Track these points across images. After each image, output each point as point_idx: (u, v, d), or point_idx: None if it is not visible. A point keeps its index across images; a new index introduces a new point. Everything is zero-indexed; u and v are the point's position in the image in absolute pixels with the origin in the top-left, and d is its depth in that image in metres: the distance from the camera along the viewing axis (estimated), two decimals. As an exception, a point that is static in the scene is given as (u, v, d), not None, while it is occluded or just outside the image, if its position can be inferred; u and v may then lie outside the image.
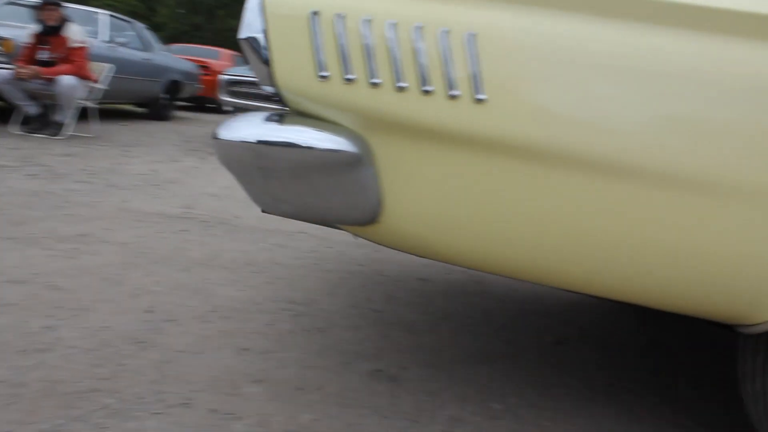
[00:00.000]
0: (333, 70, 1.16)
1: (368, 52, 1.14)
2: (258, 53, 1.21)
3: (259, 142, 1.17)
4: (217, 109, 10.73)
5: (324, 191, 1.20)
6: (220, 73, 6.94)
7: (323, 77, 1.16)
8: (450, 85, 1.11)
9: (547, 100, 1.09)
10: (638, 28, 1.08)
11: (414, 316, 2.17)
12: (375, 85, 1.14)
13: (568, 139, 1.08)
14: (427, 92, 1.12)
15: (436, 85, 1.11)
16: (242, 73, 6.61)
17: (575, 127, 1.08)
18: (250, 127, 1.20)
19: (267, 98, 6.34)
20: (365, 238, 1.35)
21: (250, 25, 1.22)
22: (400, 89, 1.13)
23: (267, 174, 1.22)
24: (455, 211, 1.18)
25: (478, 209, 1.16)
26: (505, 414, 1.55)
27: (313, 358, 1.73)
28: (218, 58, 12.51)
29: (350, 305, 2.20)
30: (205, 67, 11.24)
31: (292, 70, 1.19)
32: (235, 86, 6.48)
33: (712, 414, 1.70)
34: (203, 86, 10.53)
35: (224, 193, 4.05)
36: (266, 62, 1.20)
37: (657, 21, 1.08)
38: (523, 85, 1.09)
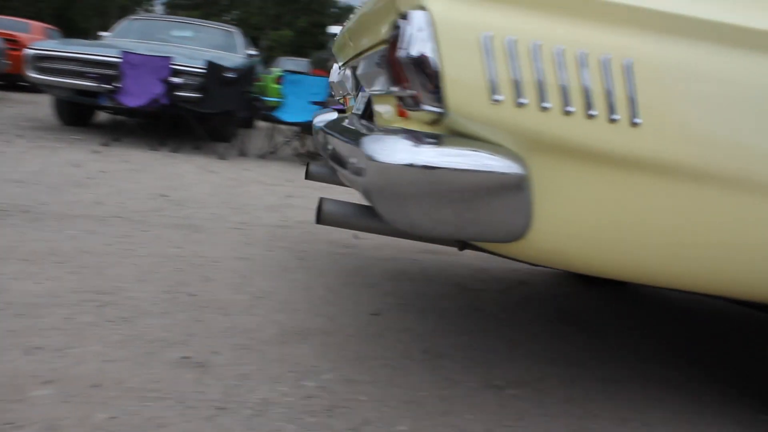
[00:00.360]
0: (506, 94, 1.19)
1: (540, 78, 1.19)
2: (425, 74, 1.19)
3: (431, 167, 1.15)
4: (31, 87, 9.88)
5: (481, 211, 1.21)
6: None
7: (496, 101, 1.19)
8: (611, 109, 1.20)
9: (697, 123, 1.23)
10: None
11: (230, 297, 2.09)
12: (545, 109, 1.20)
13: (717, 160, 1.24)
14: (591, 116, 1.20)
15: (599, 109, 1.20)
16: (52, 47, 6.08)
17: (724, 148, 1.24)
18: (412, 151, 1.16)
19: (79, 75, 5.89)
20: (498, 254, 1.38)
21: (415, 44, 1.19)
22: (568, 113, 1.20)
23: (426, 197, 1.18)
24: (602, 225, 1.27)
25: (624, 224, 1.27)
26: (319, 391, 1.53)
27: (114, 351, 1.61)
28: (29, 31, 11.48)
29: (162, 291, 2.08)
30: (13, 41, 10.27)
31: (465, 94, 1.19)
32: (43, 62, 5.95)
33: (526, 370, 1.78)
34: (11, 63, 9.62)
35: (31, 179, 3.71)
36: (434, 84, 1.19)
37: None
38: (675, 109, 1.22)
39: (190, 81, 5.98)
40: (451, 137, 1.23)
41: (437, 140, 1.20)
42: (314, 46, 38.66)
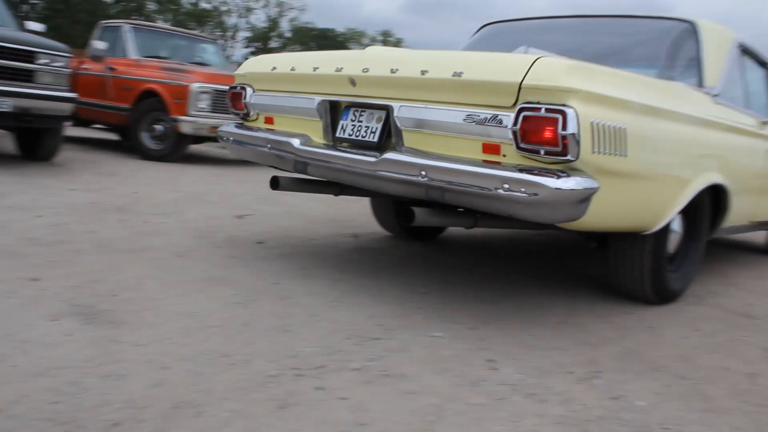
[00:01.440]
0: (598, 148, 2.23)
1: (609, 139, 2.30)
2: (575, 141, 2.12)
3: (573, 189, 2.18)
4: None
5: (581, 206, 2.31)
6: None
7: (595, 152, 2.22)
8: (623, 150, 2.43)
9: (647, 155, 2.60)
10: None
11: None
12: (609, 153, 2.31)
13: (650, 169, 2.65)
14: (618, 155, 2.39)
15: (620, 150, 2.43)
16: None
17: (653, 164, 2.65)
18: (567, 181, 2.14)
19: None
20: (565, 229, 2.55)
21: (572, 125, 2.10)
22: (613, 154, 2.38)
23: (568, 202, 2.21)
24: (613, 206, 2.52)
25: (620, 204, 2.54)
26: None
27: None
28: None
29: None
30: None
31: (585, 149, 2.17)
32: None
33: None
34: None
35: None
36: (575, 145, 2.13)
37: None
38: (640, 149, 2.56)
39: None
40: (572, 170, 2.19)
41: (568, 174, 2.17)
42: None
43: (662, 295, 3.10)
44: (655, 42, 3.53)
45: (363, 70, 2.66)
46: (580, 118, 2.12)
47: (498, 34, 4.20)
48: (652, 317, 2.92)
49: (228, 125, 3.41)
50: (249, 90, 3.27)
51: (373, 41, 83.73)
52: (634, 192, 2.55)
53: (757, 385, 2.24)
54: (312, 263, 3.22)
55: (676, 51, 3.39)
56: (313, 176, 2.98)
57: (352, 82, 2.70)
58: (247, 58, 6.52)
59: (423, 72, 2.46)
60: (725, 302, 3.42)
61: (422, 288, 2.95)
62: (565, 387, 2.03)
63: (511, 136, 2.19)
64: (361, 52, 2.88)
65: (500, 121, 2.23)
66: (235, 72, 3.44)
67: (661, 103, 2.66)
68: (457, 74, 2.35)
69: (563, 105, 2.11)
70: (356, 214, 4.87)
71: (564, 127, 2.09)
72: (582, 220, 2.29)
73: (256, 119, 3.30)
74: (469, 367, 2.10)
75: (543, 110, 2.12)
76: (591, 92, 2.20)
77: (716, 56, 3.40)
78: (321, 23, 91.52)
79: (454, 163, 2.32)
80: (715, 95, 3.26)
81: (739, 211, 3.54)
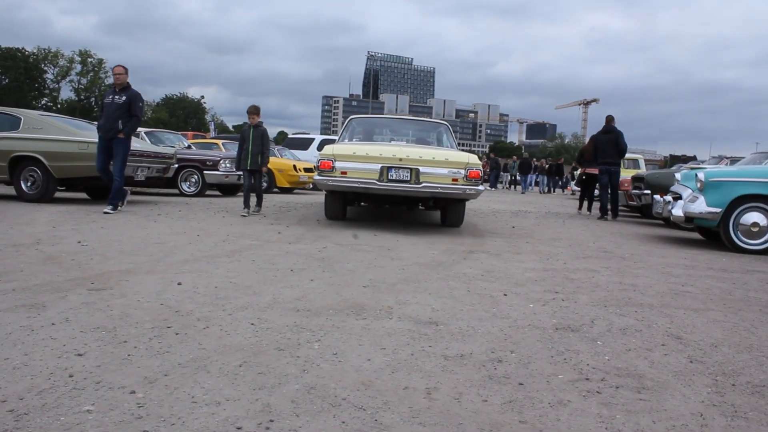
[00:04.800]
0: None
1: None
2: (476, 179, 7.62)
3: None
4: None
5: None
6: None
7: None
8: None
9: None
10: None
11: None
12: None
13: None
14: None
15: None
16: None
17: None
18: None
19: None
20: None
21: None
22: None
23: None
24: None
25: None
26: None
27: None
28: None
29: None
30: None
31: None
32: None
33: None
34: None
35: None
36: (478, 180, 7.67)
37: None
38: None
39: None
40: (479, 183, 7.75)
41: (478, 185, 7.69)
42: None
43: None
44: (433, 131, 9.65)
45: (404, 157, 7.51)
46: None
47: (362, 124, 9.78)
48: (334, 343, 2.81)
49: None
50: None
51: (71, 62, 77.66)
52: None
53: (435, 401, 2.20)
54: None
55: (441, 137, 9.38)
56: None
57: (400, 160, 7.45)
58: None
59: (433, 157, 7.51)
60: (413, 311, 3.46)
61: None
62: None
63: (464, 175, 7.40)
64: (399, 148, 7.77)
65: (459, 172, 7.42)
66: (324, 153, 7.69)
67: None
68: (447, 157, 7.51)
69: (471, 168, 7.52)
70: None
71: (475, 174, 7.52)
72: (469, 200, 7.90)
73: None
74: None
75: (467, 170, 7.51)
76: (470, 163, 7.54)
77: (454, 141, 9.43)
78: (4, 42, 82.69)
79: (442, 185, 7.39)
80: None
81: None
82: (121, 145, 8.28)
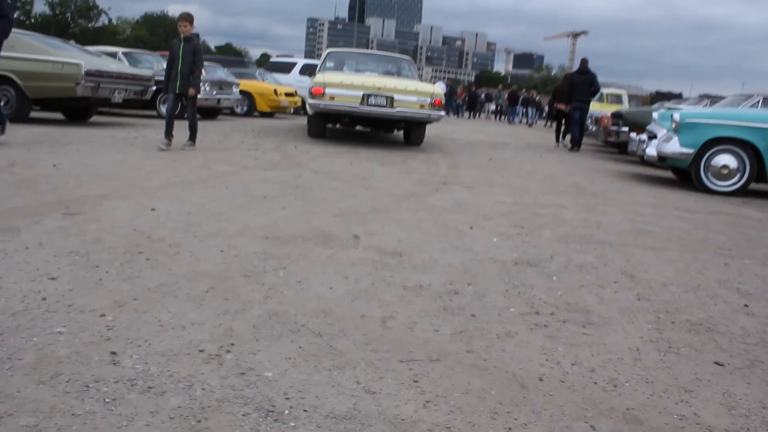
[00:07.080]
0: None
1: None
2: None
3: None
4: None
5: None
6: None
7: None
8: None
9: None
10: None
11: None
12: None
13: None
14: None
15: None
16: None
17: None
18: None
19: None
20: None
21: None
22: None
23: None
24: None
25: None
26: None
27: None
28: None
29: None
30: None
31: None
32: None
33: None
34: None
35: None
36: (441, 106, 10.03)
37: None
38: None
39: None
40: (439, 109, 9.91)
41: (441, 110, 9.93)
42: None
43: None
44: (398, 64, 11.43)
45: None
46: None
47: (340, 56, 11.68)
48: (300, 271, 2.93)
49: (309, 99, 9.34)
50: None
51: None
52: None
53: (389, 330, 2.33)
54: None
55: (404, 70, 11.24)
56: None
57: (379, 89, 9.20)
58: None
59: (405, 87, 9.40)
60: (379, 242, 3.58)
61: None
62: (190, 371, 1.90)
63: (430, 102, 9.22)
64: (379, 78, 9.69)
65: (426, 100, 9.22)
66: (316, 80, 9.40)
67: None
68: (416, 88, 9.50)
69: (436, 96, 9.39)
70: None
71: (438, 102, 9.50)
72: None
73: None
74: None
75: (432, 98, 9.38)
76: (434, 93, 9.43)
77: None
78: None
79: (412, 110, 9.28)
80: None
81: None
82: None
